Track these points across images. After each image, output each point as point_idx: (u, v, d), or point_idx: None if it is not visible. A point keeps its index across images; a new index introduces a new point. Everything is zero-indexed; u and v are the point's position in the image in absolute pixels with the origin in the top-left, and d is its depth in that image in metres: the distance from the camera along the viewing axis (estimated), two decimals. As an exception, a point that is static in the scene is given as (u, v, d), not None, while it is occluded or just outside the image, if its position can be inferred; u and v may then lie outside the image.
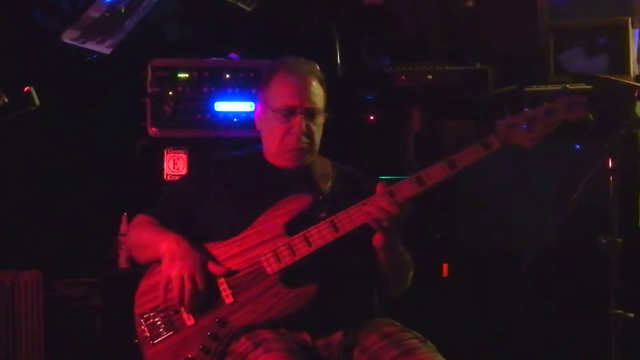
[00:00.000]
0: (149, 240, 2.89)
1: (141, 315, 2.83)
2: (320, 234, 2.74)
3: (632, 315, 3.09)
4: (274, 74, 2.97)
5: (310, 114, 2.93)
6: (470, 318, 4.01)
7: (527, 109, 2.74)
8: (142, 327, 2.82)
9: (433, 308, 3.89)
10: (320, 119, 2.97)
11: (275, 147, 2.96)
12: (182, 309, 2.78)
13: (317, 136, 2.98)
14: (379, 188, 2.77)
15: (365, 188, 2.92)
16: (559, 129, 2.78)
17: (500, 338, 4.01)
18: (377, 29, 4.76)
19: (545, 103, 2.74)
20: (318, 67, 3.05)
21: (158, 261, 2.83)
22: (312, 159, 2.99)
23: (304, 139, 2.92)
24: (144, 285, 2.88)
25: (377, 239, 2.79)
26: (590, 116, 2.75)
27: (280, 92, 2.93)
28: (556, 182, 3.90)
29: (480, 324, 4.01)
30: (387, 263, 2.85)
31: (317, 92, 2.95)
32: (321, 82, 2.99)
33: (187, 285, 2.74)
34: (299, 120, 2.90)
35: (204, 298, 2.76)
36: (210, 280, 2.77)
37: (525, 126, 2.72)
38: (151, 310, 2.82)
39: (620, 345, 3.09)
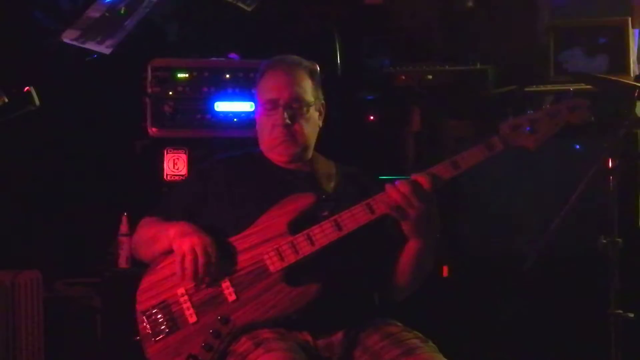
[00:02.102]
0: (157, 231, 2.90)
1: (143, 313, 2.83)
2: (324, 233, 2.74)
3: (632, 315, 3.11)
4: (263, 72, 3.01)
5: (294, 105, 2.94)
6: (471, 318, 4.02)
7: (531, 111, 2.75)
8: (144, 324, 2.82)
9: (433, 308, 3.88)
10: (309, 111, 2.97)
11: (265, 142, 2.99)
12: (187, 305, 2.78)
13: (307, 129, 2.97)
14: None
15: (368, 188, 2.92)
16: (560, 129, 2.79)
17: (500, 338, 4.01)
18: (377, 29, 4.77)
19: (548, 105, 2.75)
20: (316, 66, 3.06)
21: (168, 252, 2.83)
22: (304, 153, 2.99)
23: (286, 131, 2.93)
24: (145, 282, 2.87)
25: (405, 228, 2.76)
26: (593, 118, 2.76)
27: (265, 86, 2.97)
28: (556, 182, 3.90)
29: (480, 324, 4.02)
30: (416, 253, 2.83)
31: (303, 85, 2.96)
32: (311, 76, 3.00)
33: (201, 258, 2.74)
34: (279, 113, 2.92)
35: (211, 284, 2.77)
36: (220, 261, 2.77)
37: (528, 128, 2.73)
38: (153, 307, 2.82)
39: (620, 345, 3.10)
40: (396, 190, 2.70)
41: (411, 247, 2.83)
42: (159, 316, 2.81)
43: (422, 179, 2.70)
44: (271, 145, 2.97)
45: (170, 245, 2.81)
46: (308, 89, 2.97)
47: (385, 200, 2.72)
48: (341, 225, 2.74)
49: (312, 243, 2.75)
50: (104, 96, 4.44)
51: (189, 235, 2.78)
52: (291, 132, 2.94)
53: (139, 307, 2.85)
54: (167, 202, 3.06)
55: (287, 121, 2.92)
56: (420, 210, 2.70)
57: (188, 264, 2.75)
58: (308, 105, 2.97)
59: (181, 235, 2.79)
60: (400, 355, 2.69)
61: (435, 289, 3.90)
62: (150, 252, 2.93)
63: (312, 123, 3.00)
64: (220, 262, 2.78)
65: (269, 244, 2.78)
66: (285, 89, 2.94)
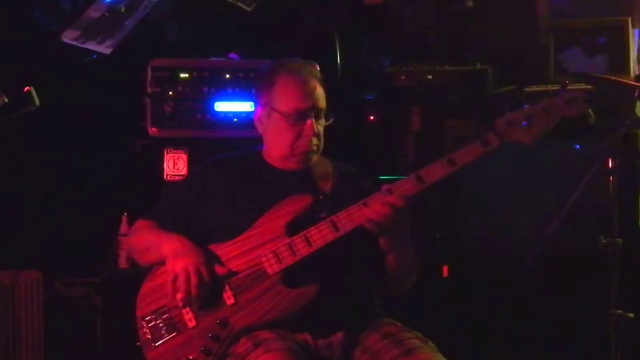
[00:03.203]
0: (150, 243, 2.89)
1: (143, 318, 2.83)
2: (321, 234, 2.74)
3: (632, 315, 3.10)
4: (276, 77, 2.93)
5: (319, 114, 2.92)
6: (470, 318, 4.01)
7: (527, 106, 2.73)
8: (144, 329, 2.82)
9: (433, 308, 3.89)
10: (324, 120, 2.97)
11: (284, 150, 2.93)
12: (184, 308, 2.78)
13: (323, 136, 2.97)
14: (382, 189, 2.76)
15: (364, 187, 2.92)
16: (560, 129, 2.78)
17: (500, 338, 4.01)
18: (377, 29, 4.76)
19: (544, 99, 2.74)
20: (316, 66, 3.05)
21: (160, 263, 2.83)
22: (316, 159, 2.98)
23: (315, 140, 2.92)
24: (145, 287, 2.87)
25: (383, 242, 2.79)
26: (590, 112, 2.75)
27: (289, 96, 2.90)
28: (556, 182, 3.90)
29: (480, 324, 4.01)
30: (395, 264, 2.85)
31: (321, 93, 2.94)
32: (321, 83, 2.97)
33: (193, 279, 2.73)
34: (310, 123, 2.88)
35: (209, 292, 2.76)
36: (214, 277, 2.77)
37: (524, 123, 2.71)
38: (152, 312, 2.82)
39: (620, 345, 3.09)
40: (372, 211, 2.71)
41: (394, 253, 2.84)
42: (159, 321, 2.81)
43: (396, 200, 2.70)
44: (293, 153, 2.92)
45: (163, 259, 2.81)
46: (323, 96, 2.96)
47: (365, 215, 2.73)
48: (338, 225, 2.74)
49: (310, 244, 2.74)
50: (104, 96, 4.44)
51: (181, 255, 2.77)
52: (317, 142, 2.93)
53: (139, 313, 2.85)
54: (164, 204, 3.04)
55: (317, 131, 2.91)
56: (393, 230, 2.73)
57: (181, 285, 2.74)
58: (325, 112, 2.96)
59: (174, 255, 2.78)
60: (400, 355, 2.69)
61: (435, 289, 3.92)
62: (144, 259, 2.93)
63: (324, 128, 2.99)
64: (219, 265, 2.78)
65: (266, 246, 2.77)
66: (314, 98, 2.90)
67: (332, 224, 2.74)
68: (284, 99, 2.91)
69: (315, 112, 2.91)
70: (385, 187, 2.77)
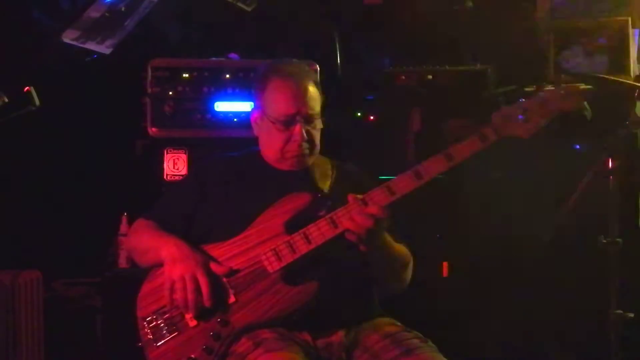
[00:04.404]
0: (149, 245, 2.90)
1: (144, 318, 2.83)
2: (320, 231, 2.74)
3: (632, 315, 3.10)
4: (268, 81, 2.95)
5: (309, 119, 2.92)
6: (470, 318, 4.02)
7: (523, 99, 2.74)
8: (145, 330, 2.82)
9: (433, 308, 3.89)
10: (319, 122, 2.97)
11: (276, 154, 2.95)
12: (187, 310, 2.78)
13: (317, 139, 2.97)
14: (351, 199, 2.73)
15: (364, 184, 2.91)
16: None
17: (501, 338, 4.01)
18: (377, 29, 4.76)
19: (540, 93, 2.74)
20: (316, 66, 3.05)
21: (159, 264, 2.84)
22: (312, 160, 2.99)
23: (305, 145, 2.92)
24: (145, 288, 2.88)
25: (363, 249, 2.75)
26: (586, 105, 2.75)
27: (277, 101, 2.91)
28: (556, 182, 3.90)
29: (480, 324, 4.02)
30: (380, 266, 2.85)
31: (314, 96, 2.94)
32: (316, 84, 2.97)
33: (190, 286, 2.74)
34: (299, 129, 2.89)
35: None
36: (213, 280, 2.77)
37: (521, 117, 2.72)
38: (153, 312, 2.83)
39: (620, 345, 3.10)
40: (352, 222, 2.68)
41: (376, 256, 2.81)
42: (160, 321, 2.81)
43: (375, 210, 2.68)
44: (284, 157, 2.94)
45: (162, 262, 2.82)
46: (317, 99, 2.96)
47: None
48: (337, 222, 2.74)
49: (309, 242, 2.75)
50: (104, 96, 4.44)
51: (179, 261, 2.78)
52: (308, 146, 2.93)
53: (140, 313, 2.86)
54: (164, 204, 3.06)
55: (306, 136, 2.91)
56: (371, 239, 2.70)
57: (179, 292, 2.75)
58: (319, 115, 2.96)
59: (172, 261, 2.79)
60: (400, 355, 2.69)
61: (435, 289, 3.92)
62: (143, 260, 2.95)
63: (319, 130, 2.99)
64: (219, 265, 2.79)
65: (266, 244, 2.78)
66: (303, 103, 2.90)
67: (331, 221, 2.74)
68: (274, 104, 2.92)
69: (306, 117, 2.91)
70: (357, 197, 2.73)
